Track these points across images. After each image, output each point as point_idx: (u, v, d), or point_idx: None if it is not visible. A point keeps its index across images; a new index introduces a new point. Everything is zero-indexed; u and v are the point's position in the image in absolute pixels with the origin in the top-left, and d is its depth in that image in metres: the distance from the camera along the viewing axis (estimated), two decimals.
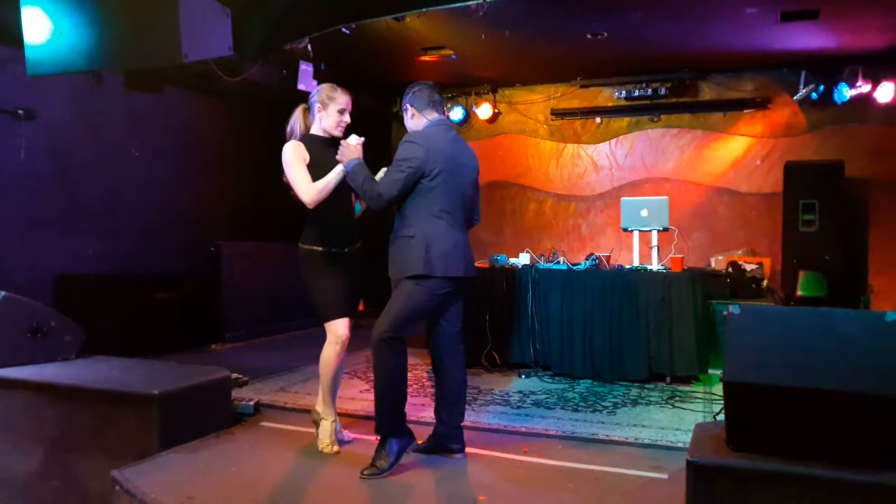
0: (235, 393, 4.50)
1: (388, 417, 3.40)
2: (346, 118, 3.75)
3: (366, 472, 3.31)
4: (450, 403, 3.63)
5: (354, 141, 3.53)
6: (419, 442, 3.64)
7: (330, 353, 3.67)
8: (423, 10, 5.38)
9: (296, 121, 3.81)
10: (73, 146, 6.09)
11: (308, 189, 3.55)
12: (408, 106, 3.59)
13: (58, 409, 3.83)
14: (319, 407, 3.76)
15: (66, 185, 6.04)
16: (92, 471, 3.61)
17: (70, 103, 6.05)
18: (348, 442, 3.85)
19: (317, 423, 3.77)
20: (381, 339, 3.33)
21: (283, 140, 3.74)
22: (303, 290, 3.71)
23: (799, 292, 6.92)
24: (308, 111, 3.81)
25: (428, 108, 3.56)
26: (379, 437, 3.43)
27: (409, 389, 5.04)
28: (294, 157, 3.59)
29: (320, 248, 3.67)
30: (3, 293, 4.26)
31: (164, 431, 3.60)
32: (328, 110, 3.71)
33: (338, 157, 3.54)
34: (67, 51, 3.71)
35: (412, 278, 3.36)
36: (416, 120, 3.57)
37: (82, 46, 3.69)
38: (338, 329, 3.66)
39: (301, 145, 3.65)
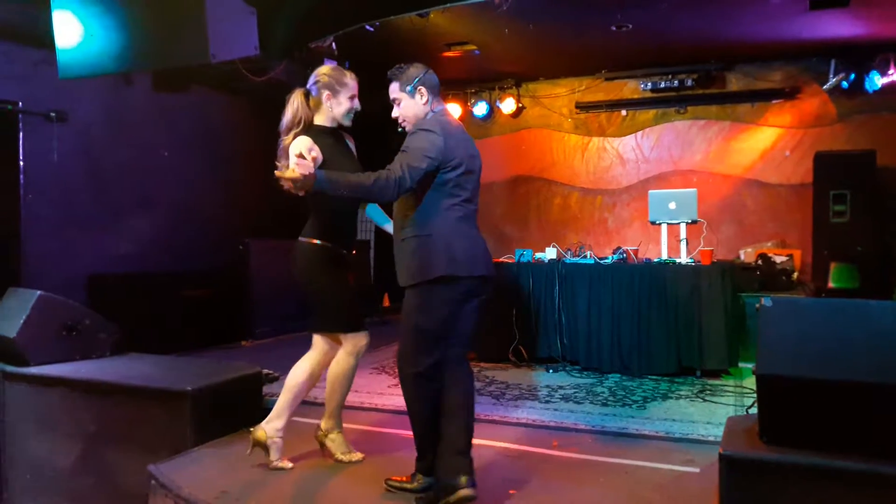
0: (266, 388, 4.54)
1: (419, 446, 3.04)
2: (357, 104, 3.41)
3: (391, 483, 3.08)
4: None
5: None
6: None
7: (351, 364, 3.39)
8: (447, 5, 5.38)
9: (298, 109, 3.43)
10: (103, 147, 6.19)
11: None
12: (422, 88, 3.03)
13: (94, 405, 3.90)
14: (328, 422, 3.50)
15: (97, 185, 6.14)
16: (127, 466, 3.67)
17: (100, 105, 6.15)
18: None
19: (323, 441, 3.50)
20: (405, 375, 2.96)
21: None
22: (314, 292, 3.36)
23: (830, 284, 6.83)
24: (308, 97, 3.44)
25: (438, 96, 3.13)
26: None
27: None
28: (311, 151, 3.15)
29: (333, 246, 3.32)
30: (39, 292, 4.34)
31: (197, 427, 3.64)
32: (339, 98, 3.37)
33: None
34: (98, 53, 3.77)
35: (432, 282, 2.85)
36: (424, 107, 3.04)
37: (112, 49, 3.75)
38: (362, 340, 3.38)
39: (311, 140, 3.22)
